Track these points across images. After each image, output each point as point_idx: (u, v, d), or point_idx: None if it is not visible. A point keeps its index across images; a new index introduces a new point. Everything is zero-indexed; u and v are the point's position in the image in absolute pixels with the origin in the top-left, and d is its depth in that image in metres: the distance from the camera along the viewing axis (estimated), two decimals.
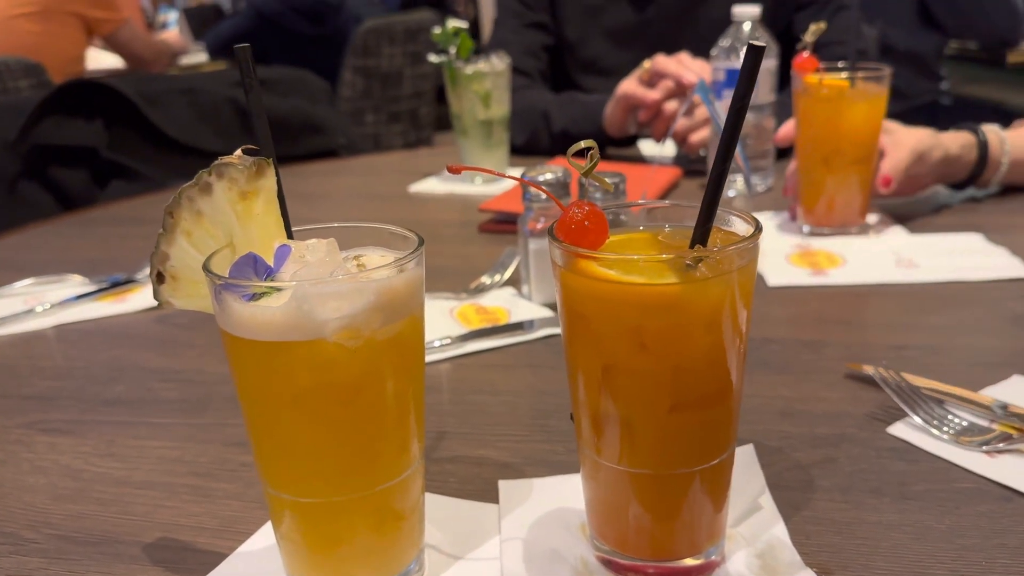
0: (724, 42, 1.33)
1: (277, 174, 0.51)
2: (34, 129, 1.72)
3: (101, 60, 3.60)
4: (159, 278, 0.53)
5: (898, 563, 0.55)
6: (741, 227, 0.52)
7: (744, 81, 0.46)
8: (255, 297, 0.47)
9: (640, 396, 0.50)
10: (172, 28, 4.76)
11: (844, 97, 1.12)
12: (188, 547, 0.61)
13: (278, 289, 0.46)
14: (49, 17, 2.97)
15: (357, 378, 0.48)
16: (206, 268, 0.48)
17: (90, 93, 1.79)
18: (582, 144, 0.49)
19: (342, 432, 0.49)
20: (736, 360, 0.50)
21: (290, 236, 0.52)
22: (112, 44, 3.34)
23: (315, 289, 0.46)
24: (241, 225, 0.51)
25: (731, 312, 0.49)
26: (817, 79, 1.13)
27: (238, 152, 0.50)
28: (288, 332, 0.46)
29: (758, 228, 0.50)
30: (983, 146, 1.22)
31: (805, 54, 1.15)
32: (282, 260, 0.48)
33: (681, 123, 1.50)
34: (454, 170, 0.53)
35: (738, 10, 1.33)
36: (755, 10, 1.33)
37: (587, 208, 0.50)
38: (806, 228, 1.19)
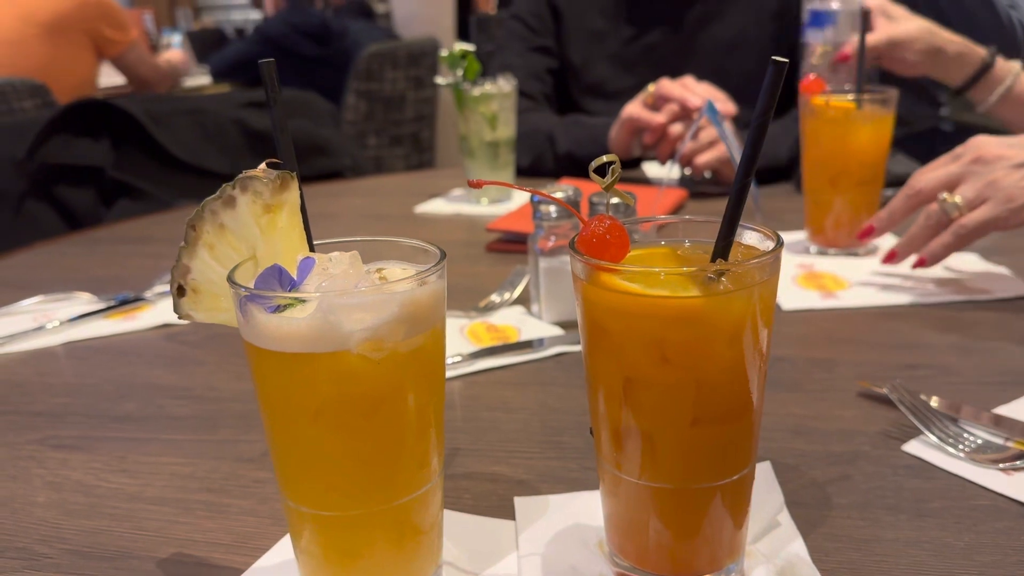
0: None
1: (300, 188, 0.52)
2: (41, 148, 1.73)
3: (113, 79, 3.62)
4: (180, 291, 0.53)
5: None
6: (761, 242, 0.52)
7: (766, 97, 0.47)
8: (280, 308, 0.47)
9: (662, 410, 0.50)
10: (176, 48, 4.78)
11: (851, 119, 1.13)
12: (204, 563, 0.60)
13: (303, 300, 0.47)
14: (61, 36, 2.98)
15: (380, 390, 0.48)
16: (231, 279, 0.48)
17: (97, 113, 1.80)
18: (604, 159, 0.50)
19: (364, 445, 0.49)
20: (757, 374, 0.51)
21: (312, 249, 0.53)
22: (119, 66, 3.36)
23: (340, 300, 0.46)
24: (265, 238, 0.51)
25: (753, 326, 0.49)
26: (824, 101, 1.14)
27: (262, 166, 0.51)
28: (313, 343, 0.46)
29: (779, 242, 0.50)
30: (986, 64, 1.26)
31: (812, 76, 1.16)
32: (306, 272, 0.49)
33: (688, 146, 1.51)
34: (475, 184, 0.53)
35: None
36: None
37: (608, 222, 0.50)
38: (813, 248, 1.19)
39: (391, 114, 3.73)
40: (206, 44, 5.46)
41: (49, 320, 1.05)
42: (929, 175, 1.01)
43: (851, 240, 1.17)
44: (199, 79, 4.27)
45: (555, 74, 1.89)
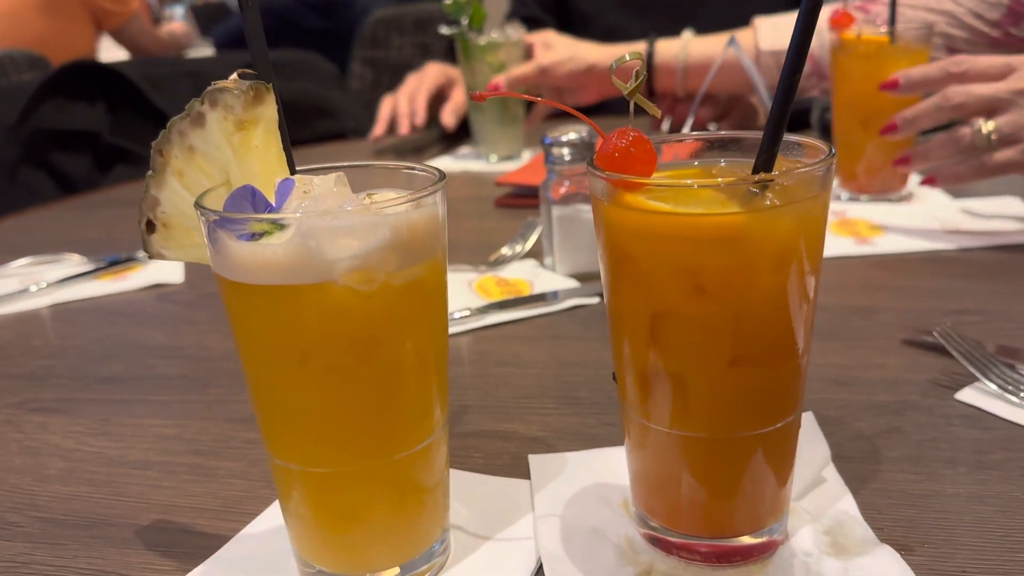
0: None
1: (278, 102, 0.45)
2: (34, 113, 1.67)
3: (115, 54, 3.55)
4: (149, 227, 0.48)
5: (986, 538, 0.49)
6: (808, 156, 0.45)
7: (805, 17, 0.40)
8: (255, 237, 0.41)
9: (696, 348, 0.44)
10: (179, 20, 4.71)
11: (884, 54, 1.05)
12: (187, 529, 0.55)
13: (281, 225, 0.40)
14: (58, 10, 2.91)
15: (373, 328, 0.42)
16: (198, 204, 0.42)
17: (92, 76, 1.74)
18: (627, 56, 0.43)
19: (358, 391, 0.43)
20: (807, 307, 0.44)
21: (293, 172, 0.46)
22: (120, 38, 3.29)
23: (322, 222, 0.40)
24: (238, 159, 0.45)
25: (801, 250, 0.42)
26: (855, 35, 1.06)
27: (233, 76, 0.44)
28: (293, 273, 0.40)
29: (831, 152, 0.43)
30: (648, 53, 1.25)
31: (840, 8, 1.08)
32: (284, 195, 0.42)
33: (703, 112, 1.44)
34: (478, 97, 0.46)
35: None
36: None
37: (632, 135, 0.44)
38: (845, 195, 1.12)
39: (398, 82, 3.63)
40: (209, 17, 5.37)
41: (35, 282, 1.00)
42: (973, 90, 0.91)
43: (884, 185, 1.09)
44: (203, 52, 4.19)
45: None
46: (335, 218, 0.40)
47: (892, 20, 1.06)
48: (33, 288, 0.98)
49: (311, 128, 1.88)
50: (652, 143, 0.44)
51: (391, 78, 3.59)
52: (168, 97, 1.81)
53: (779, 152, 0.43)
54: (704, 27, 1.62)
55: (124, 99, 1.76)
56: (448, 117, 1.60)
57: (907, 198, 1.11)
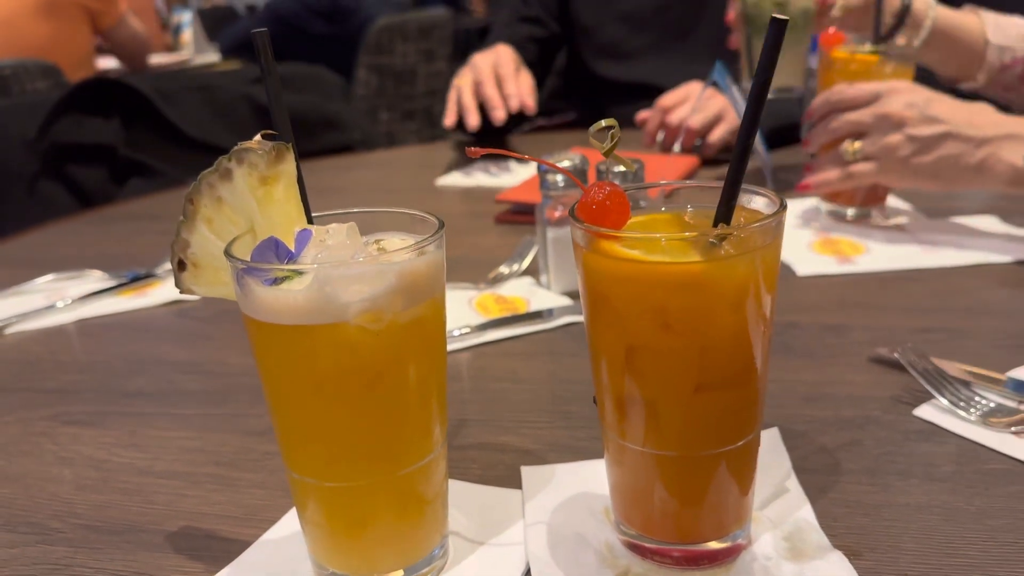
0: None
1: (296, 159, 0.51)
2: (52, 128, 1.73)
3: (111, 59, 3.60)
4: (180, 266, 0.53)
5: (928, 544, 0.54)
6: (764, 205, 0.51)
7: (768, 54, 0.45)
8: (277, 281, 0.47)
9: (665, 377, 0.49)
10: (186, 30, 4.77)
11: (872, 72, 1.10)
12: (212, 535, 0.61)
13: (300, 272, 0.46)
14: (56, 14, 2.95)
15: (380, 361, 0.48)
16: (228, 253, 0.48)
17: (107, 91, 1.80)
18: (603, 123, 0.49)
19: (365, 416, 0.49)
20: (762, 339, 0.50)
21: (310, 221, 0.52)
22: (109, 39, 3.30)
23: (337, 271, 0.46)
24: (262, 211, 0.51)
25: (756, 291, 0.48)
26: (845, 54, 1.12)
27: (257, 137, 0.50)
28: (310, 315, 0.46)
29: (782, 206, 0.49)
30: (905, 6, 1.24)
31: (831, 29, 1.14)
32: (303, 244, 0.48)
33: (694, 120, 1.49)
34: (473, 153, 0.52)
35: None
36: None
37: (608, 189, 0.50)
38: (826, 207, 1.18)
39: (402, 88, 3.70)
40: (216, 22, 5.44)
41: (61, 298, 1.06)
42: (845, 119, 1.06)
43: (867, 198, 1.15)
44: (209, 56, 4.26)
45: (542, 43, 1.90)
46: (348, 268, 0.46)
47: (877, 39, 1.11)
48: (59, 304, 1.04)
49: (319, 141, 1.94)
50: (626, 195, 0.50)
51: (395, 84, 3.66)
52: (180, 111, 1.87)
53: (740, 203, 0.49)
54: (701, 43, 1.68)
55: (138, 113, 1.83)
56: (528, 99, 1.55)
57: (886, 214, 1.16)
